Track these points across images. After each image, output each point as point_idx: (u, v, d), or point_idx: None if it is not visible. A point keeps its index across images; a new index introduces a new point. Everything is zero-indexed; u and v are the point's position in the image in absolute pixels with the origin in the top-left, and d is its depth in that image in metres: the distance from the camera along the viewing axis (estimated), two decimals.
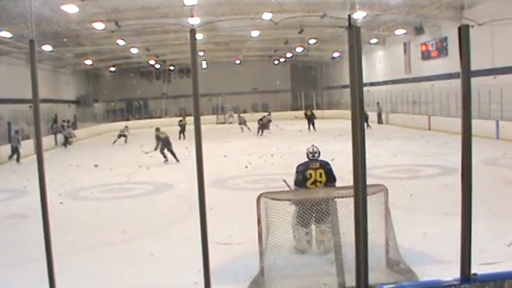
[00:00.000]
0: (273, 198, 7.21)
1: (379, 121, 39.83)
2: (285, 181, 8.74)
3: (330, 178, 8.40)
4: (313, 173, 8.36)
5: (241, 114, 43.31)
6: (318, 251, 7.92)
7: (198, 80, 3.84)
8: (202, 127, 3.86)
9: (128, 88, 54.44)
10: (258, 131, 34.95)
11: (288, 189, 8.46)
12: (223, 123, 48.92)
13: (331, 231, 7.65)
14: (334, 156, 19.08)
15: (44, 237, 3.97)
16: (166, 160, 21.85)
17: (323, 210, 7.10)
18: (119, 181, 17.48)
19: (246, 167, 18.59)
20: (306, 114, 38.63)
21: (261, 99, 57.86)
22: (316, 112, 43.25)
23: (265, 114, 38.80)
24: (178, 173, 18.08)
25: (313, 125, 36.75)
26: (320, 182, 8.33)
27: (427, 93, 33.77)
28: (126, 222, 11.17)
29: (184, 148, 21.22)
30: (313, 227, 7.79)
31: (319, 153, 8.68)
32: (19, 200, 14.83)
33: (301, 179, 8.38)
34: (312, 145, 8.85)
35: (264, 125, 35.47)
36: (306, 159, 8.61)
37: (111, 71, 54.19)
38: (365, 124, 37.41)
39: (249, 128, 37.69)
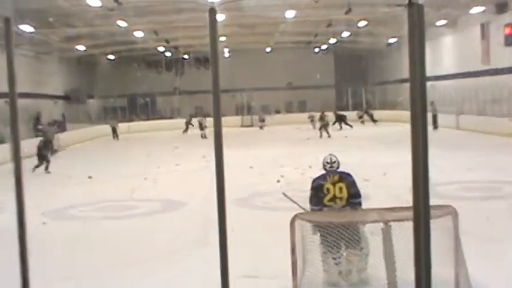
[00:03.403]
0: (311, 221, 7.17)
1: (435, 125, 38.77)
2: (284, 194, 8.90)
3: (353, 193, 8.49)
4: (331, 187, 8.46)
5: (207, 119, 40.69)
6: (344, 284, 7.92)
7: (218, 72, 3.83)
8: (224, 130, 3.85)
9: (130, 81, 54.90)
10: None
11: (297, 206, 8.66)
12: (250, 126, 48.96)
13: (363, 259, 7.69)
14: (386, 169, 19.11)
15: (19, 263, 3.98)
16: None
17: (351, 232, 7.23)
18: (118, 197, 17.59)
19: (278, 181, 18.56)
20: (366, 113, 47.02)
21: (296, 97, 57.94)
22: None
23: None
24: (192, 186, 18.13)
25: (372, 118, 45.25)
26: (340, 198, 8.42)
27: (511, 89, 33.33)
28: (121, 249, 11.21)
29: (201, 156, 21.15)
30: (344, 254, 7.80)
31: (339, 162, 8.78)
32: None
33: (317, 195, 8.52)
34: (330, 154, 8.99)
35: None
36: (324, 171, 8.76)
37: (109, 59, 54.80)
38: (341, 125, 39.96)
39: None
